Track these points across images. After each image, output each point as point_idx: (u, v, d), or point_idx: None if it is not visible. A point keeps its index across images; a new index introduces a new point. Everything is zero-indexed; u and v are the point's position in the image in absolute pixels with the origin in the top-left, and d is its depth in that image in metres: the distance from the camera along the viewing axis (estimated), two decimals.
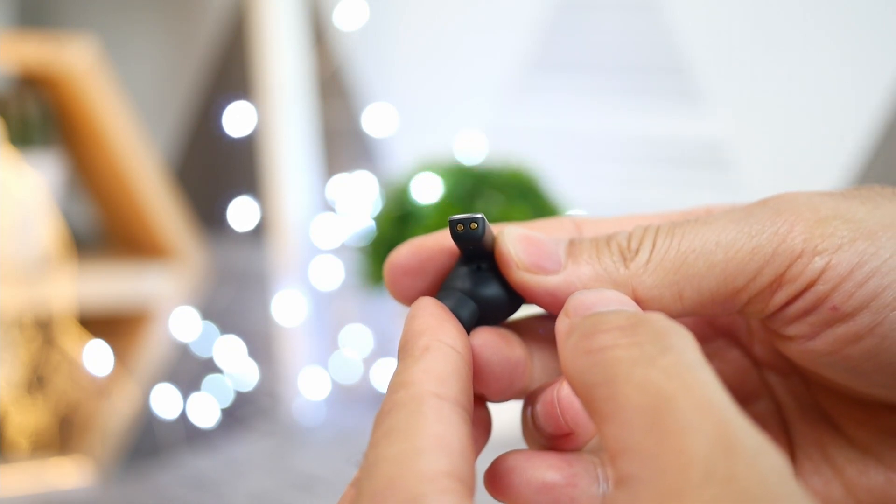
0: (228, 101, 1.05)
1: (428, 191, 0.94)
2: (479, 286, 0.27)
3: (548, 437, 0.26)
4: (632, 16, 1.03)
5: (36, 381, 0.97)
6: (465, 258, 0.27)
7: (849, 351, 0.25)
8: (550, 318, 0.29)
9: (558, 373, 0.29)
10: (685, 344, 0.19)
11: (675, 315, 0.26)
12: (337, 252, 1.08)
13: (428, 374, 0.22)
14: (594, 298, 0.24)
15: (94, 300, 0.95)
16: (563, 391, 0.26)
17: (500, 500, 0.25)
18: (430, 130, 1.15)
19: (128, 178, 0.98)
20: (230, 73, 1.31)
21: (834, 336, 0.25)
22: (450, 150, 1.02)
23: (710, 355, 0.30)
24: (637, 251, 0.26)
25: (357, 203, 1.05)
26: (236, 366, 1.08)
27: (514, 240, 0.26)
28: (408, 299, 0.28)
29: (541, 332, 0.29)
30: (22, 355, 0.95)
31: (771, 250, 0.24)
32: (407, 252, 0.28)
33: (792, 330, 0.25)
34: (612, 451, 0.18)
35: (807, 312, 0.25)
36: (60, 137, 1.02)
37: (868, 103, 0.93)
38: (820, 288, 0.24)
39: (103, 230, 1.19)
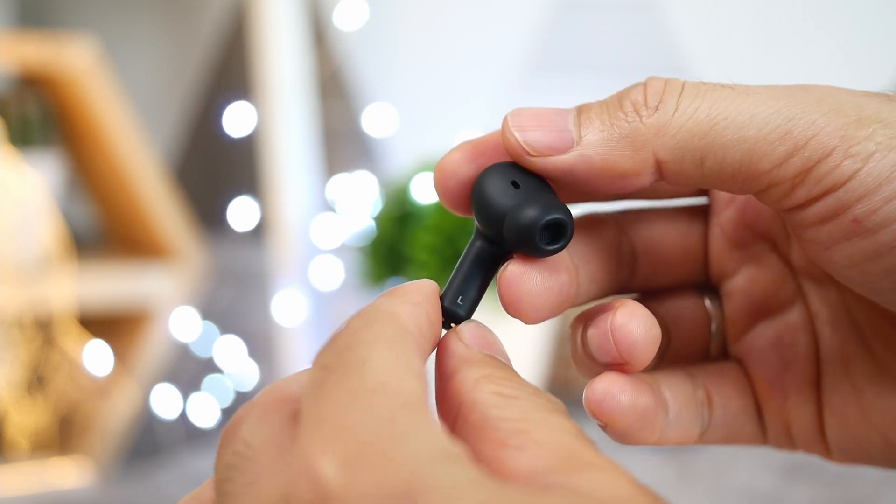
0: (228, 101, 1.05)
1: (428, 191, 0.94)
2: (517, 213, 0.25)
3: (602, 365, 0.26)
4: (632, 16, 1.03)
5: (36, 381, 0.97)
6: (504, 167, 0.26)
7: (867, 267, 0.24)
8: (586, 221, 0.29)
9: (604, 282, 0.29)
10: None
11: (692, 183, 0.25)
12: (337, 252, 1.08)
13: (414, 321, 0.22)
14: (490, 339, 0.24)
15: (94, 300, 0.95)
16: (617, 321, 0.25)
17: (600, 421, 0.26)
18: (430, 130, 1.15)
19: (128, 178, 0.98)
20: (230, 73, 1.31)
21: (852, 249, 0.24)
22: (450, 150, 1.02)
23: (749, 259, 0.30)
24: (657, 107, 0.24)
25: (357, 203, 1.05)
26: (236, 366, 1.08)
27: (519, 123, 0.25)
28: (460, 208, 0.27)
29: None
30: (22, 355, 0.95)
31: (804, 140, 0.23)
32: (459, 157, 0.27)
33: (811, 234, 0.25)
34: (520, 471, 0.20)
35: (827, 218, 0.24)
36: (60, 137, 1.02)
37: None
38: (843, 195, 0.23)
39: (103, 230, 1.19)
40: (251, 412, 0.21)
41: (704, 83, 0.24)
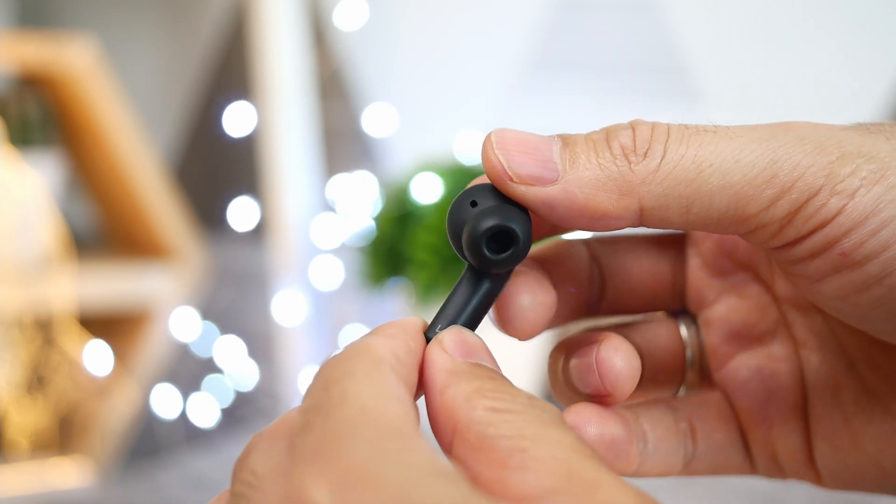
0: (228, 101, 1.05)
1: (428, 191, 0.94)
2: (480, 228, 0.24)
3: (583, 396, 0.26)
4: (632, 16, 1.03)
5: (36, 381, 0.97)
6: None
7: (856, 298, 0.24)
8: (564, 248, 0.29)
9: (572, 305, 0.29)
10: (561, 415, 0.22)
11: (674, 228, 0.25)
12: (337, 252, 1.08)
13: (389, 350, 0.22)
14: (472, 342, 0.24)
15: (94, 300, 0.95)
16: (601, 354, 0.25)
17: None
18: (430, 130, 1.15)
19: (128, 178, 0.98)
20: (230, 73, 1.31)
21: (841, 282, 0.24)
22: (450, 150, 1.02)
23: (730, 288, 0.29)
24: (645, 154, 0.24)
25: (357, 203, 1.05)
26: (236, 366, 1.08)
27: (503, 146, 0.24)
28: None
29: (572, 291, 0.29)
30: (22, 355, 0.95)
31: (791, 182, 0.23)
32: None
33: (799, 269, 0.25)
34: (523, 493, 0.19)
35: (815, 254, 0.24)
36: (60, 137, 1.02)
37: (868, 103, 0.93)
38: (830, 231, 0.23)
39: (103, 230, 1.19)
40: (259, 441, 0.22)
41: (688, 126, 0.24)
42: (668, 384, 0.30)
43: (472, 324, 0.26)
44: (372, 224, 1.01)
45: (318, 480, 0.18)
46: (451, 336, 0.24)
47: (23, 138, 0.96)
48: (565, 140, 0.25)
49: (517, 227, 0.24)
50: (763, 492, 0.83)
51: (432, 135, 1.12)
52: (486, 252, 0.24)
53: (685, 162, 0.24)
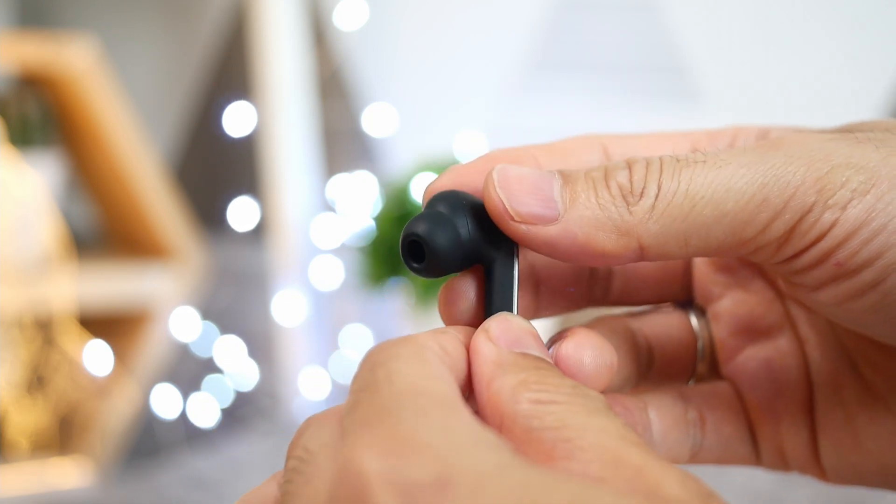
0: (228, 101, 1.05)
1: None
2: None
3: None
4: (632, 16, 1.03)
5: (36, 381, 0.97)
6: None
7: (852, 305, 0.24)
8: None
9: (572, 296, 0.29)
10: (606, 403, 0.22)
11: (679, 258, 0.25)
12: (337, 252, 1.08)
13: (435, 341, 0.23)
14: (518, 330, 0.24)
15: (94, 300, 0.95)
16: (562, 351, 0.25)
17: None
18: (430, 130, 1.15)
19: (128, 178, 0.98)
20: (230, 73, 1.31)
21: (837, 290, 0.24)
22: (450, 150, 1.02)
23: (735, 283, 0.30)
24: (641, 194, 0.24)
25: (357, 203, 1.05)
26: (236, 366, 1.08)
27: (506, 185, 0.25)
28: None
29: (571, 290, 0.29)
30: (22, 355, 0.95)
31: (783, 203, 0.23)
32: (447, 183, 0.28)
33: (797, 279, 0.25)
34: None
35: (812, 266, 0.24)
36: (60, 137, 1.02)
37: (868, 103, 0.93)
38: (825, 244, 0.24)
39: (103, 230, 1.19)
40: (312, 423, 0.23)
41: (679, 159, 0.25)
42: (678, 375, 0.30)
43: (511, 308, 0.26)
44: (372, 224, 1.01)
45: (367, 449, 0.19)
46: (498, 324, 0.24)
47: (23, 138, 0.96)
48: (566, 178, 0.25)
49: (428, 237, 0.24)
50: (763, 492, 0.83)
51: (432, 135, 1.12)
52: (406, 262, 0.25)
53: (678, 198, 0.24)
